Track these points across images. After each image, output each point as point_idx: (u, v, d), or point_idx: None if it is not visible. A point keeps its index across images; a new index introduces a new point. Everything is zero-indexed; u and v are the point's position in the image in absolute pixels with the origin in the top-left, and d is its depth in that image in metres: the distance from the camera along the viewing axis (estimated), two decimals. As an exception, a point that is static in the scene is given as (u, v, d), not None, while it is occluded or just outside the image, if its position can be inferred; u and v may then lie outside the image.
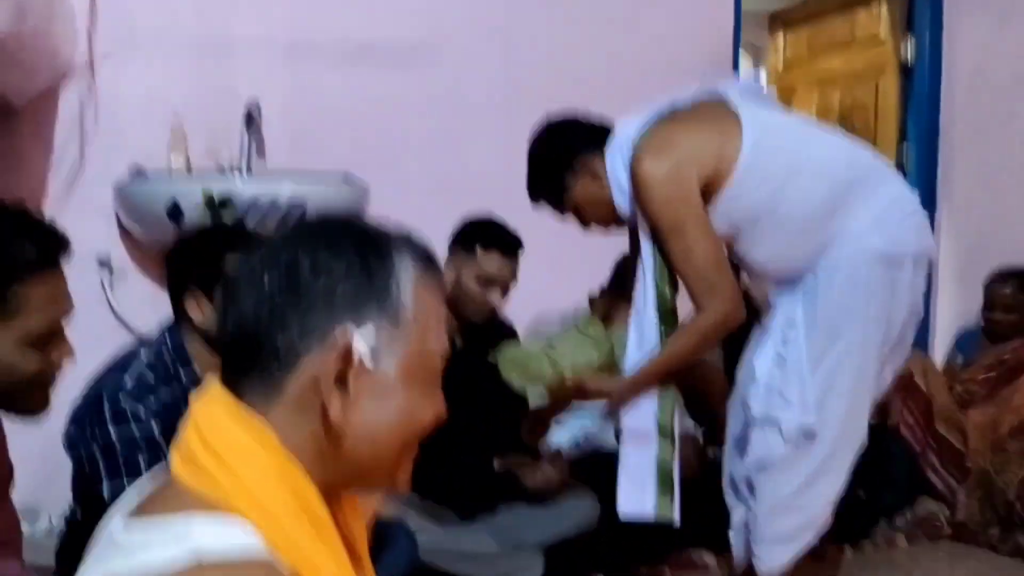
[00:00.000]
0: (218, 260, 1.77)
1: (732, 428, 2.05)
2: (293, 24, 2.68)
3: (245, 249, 1.80)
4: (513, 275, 2.33)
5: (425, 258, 0.81)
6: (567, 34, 3.06)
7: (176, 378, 1.78)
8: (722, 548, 2.56)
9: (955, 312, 3.66)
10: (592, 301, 2.71)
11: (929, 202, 3.88)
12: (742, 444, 1.97)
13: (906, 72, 3.89)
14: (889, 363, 1.93)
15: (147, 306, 2.57)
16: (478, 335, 2.36)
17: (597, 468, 2.38)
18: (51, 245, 1.19)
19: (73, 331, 2.54)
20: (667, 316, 1.90)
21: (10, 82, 2.08)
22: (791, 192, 1.81)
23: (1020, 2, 3.49)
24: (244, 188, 2.20)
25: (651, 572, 2.52)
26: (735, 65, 3.38)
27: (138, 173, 2.45)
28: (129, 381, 1.72)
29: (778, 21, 4.66)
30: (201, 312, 1.78)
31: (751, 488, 1.92)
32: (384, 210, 2.58)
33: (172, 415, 1.75)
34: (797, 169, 1.82)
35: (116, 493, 1.65)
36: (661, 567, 2.54)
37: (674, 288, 1.91)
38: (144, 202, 2.27)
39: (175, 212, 2.20)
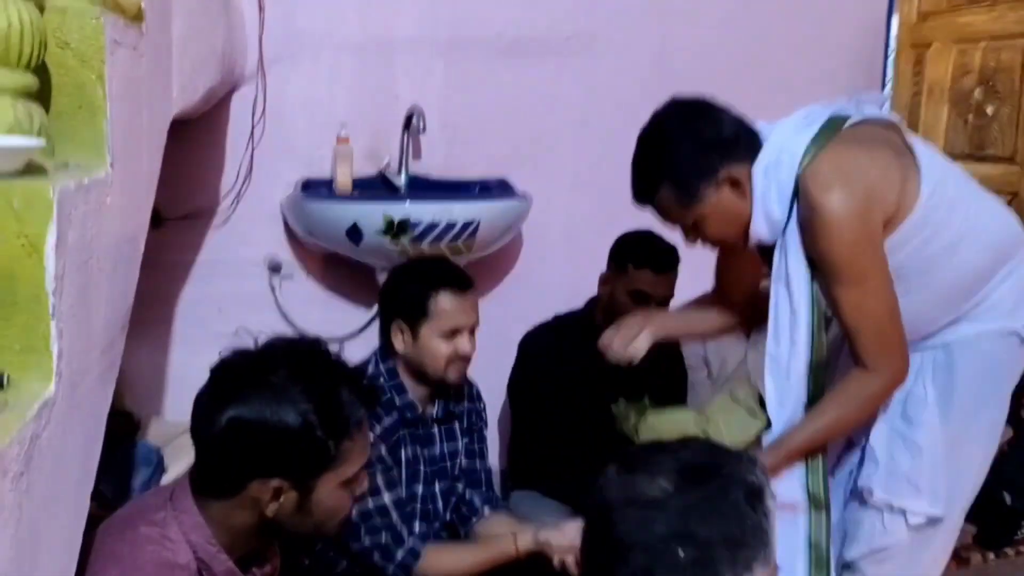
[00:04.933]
0: (424, 295, 1.87)
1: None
2: (451, 23, 2.67)
3: (449, 285, 1.87)
4: (668, 290, 2.35)
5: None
6: (720, 21, 2.98)
7: (395, 406, 1.90)
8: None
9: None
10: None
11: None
12: (845, 523, 1.77)
13: (1060, 38, 3.70)
14: None
15: (312, 306, 2.69)
16: None
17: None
18: (371, 400, 1.29)
19: (244, 330, 2.66)
20: (819, 371, 1.62)
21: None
22: (952, 256, 1.59)
23: None
24: (418, 211, 2.26)
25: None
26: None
27: (306, 185, 2.52)
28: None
29: (915, -32, 4.42)
30: (404, 342, 1.89)
31: (850, 569, 1.74)
32: (541, 209, 2.63)
33: (394, 440, 1.88)
34: (965, 232, 1.59)
35: (362, 512, 1.79)
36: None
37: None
38: (323, 219, 2.35)
39: (354, 232, 2.28)
